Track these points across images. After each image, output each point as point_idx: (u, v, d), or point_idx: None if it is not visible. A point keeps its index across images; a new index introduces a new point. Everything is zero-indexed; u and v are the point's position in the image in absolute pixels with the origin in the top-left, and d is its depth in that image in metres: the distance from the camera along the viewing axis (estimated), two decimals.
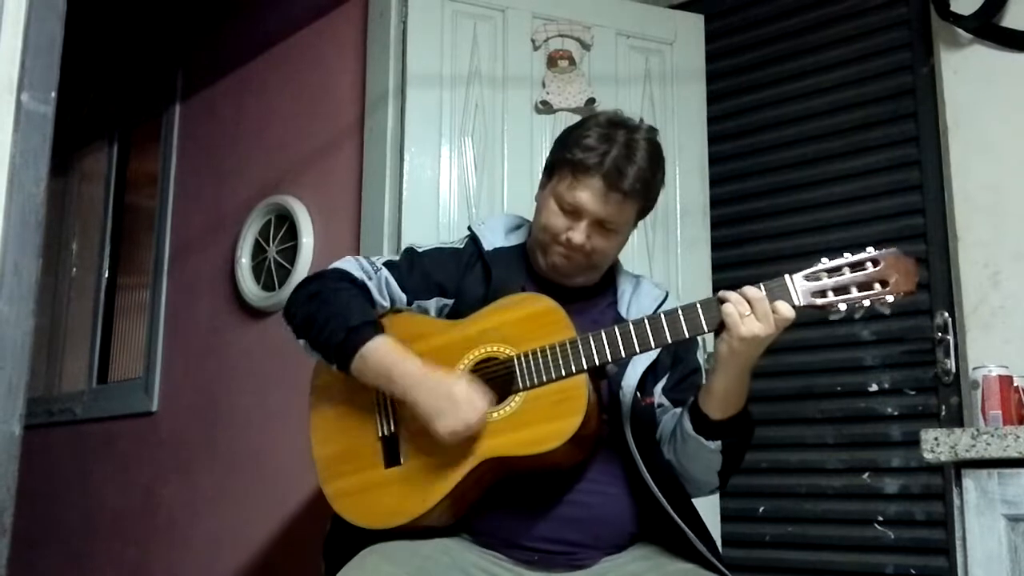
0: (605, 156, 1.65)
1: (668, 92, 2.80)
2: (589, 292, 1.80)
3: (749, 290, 1.51)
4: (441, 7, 2.61)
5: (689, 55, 2.85)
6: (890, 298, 1.48)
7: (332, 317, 1.67)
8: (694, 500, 1.74)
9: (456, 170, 2.56)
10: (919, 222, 2.52)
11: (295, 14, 3.10)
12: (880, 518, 2.48)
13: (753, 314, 1.49)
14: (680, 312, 1.55)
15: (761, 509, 2.67)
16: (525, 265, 1.80)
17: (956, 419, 2.36)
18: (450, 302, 1.77)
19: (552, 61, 2.69)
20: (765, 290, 1.51)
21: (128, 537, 3.38)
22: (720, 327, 1.51)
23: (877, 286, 1.49)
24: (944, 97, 2.45)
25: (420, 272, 1.79)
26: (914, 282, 1.48)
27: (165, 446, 3.31)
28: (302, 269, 2.84)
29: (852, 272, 1.50)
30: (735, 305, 1.49)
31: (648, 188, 1.70)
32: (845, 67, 2.71)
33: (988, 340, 2.29)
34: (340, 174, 2.79)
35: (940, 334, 2.42)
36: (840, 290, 1.50)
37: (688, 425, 1.61)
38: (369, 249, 2.55)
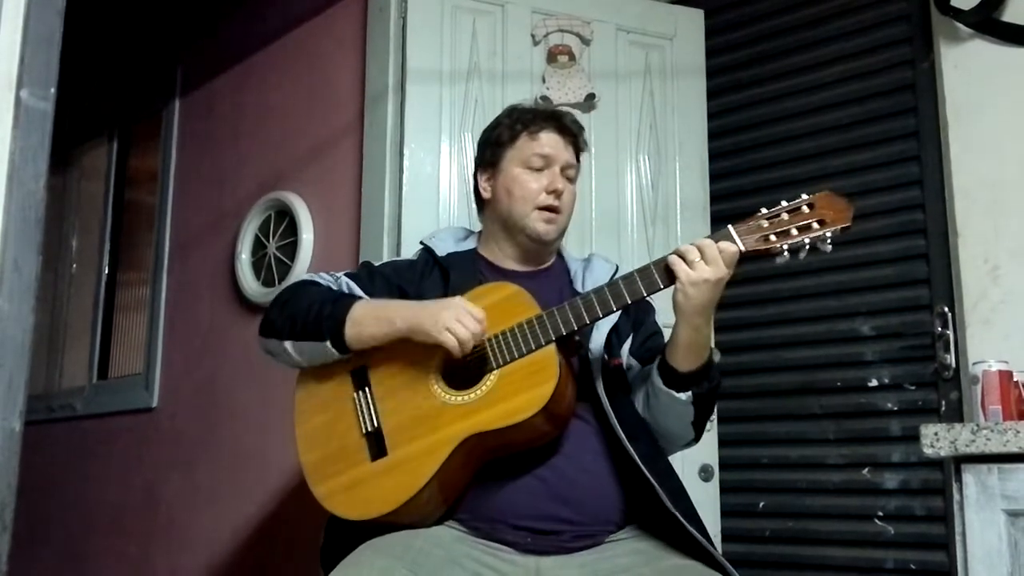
0: (542, 114, 1.91)
1: (668, 87, 2.80)
2: (544, 277, 1.90)
3: (696, 240, 1.63)
4: (441, 2, 2.60)
5: (689, 50, 2.84)
6: (828, 234, 1.57)
7: (312, 303, 1.76)
8: (678, 471, 1.81)
9: (456, 166, 2.56)
10: (919, 217, 2.52)
11: (295, 10, 3.10)
12: (880, 513, 2.49)
13: (703, 259, 1.58)
14: (635, 273, 1.64)
15: (761, 504, 2.68)
16: (479, 264, 1.90)
17: (956, 414, 2.36)
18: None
19: (552, 56, 2.69)
20: (711, 239, 1.62)
21: (128, 533, 3.39)
22: (674, 282, 1.61)
23: (815, 225, 1.57)
24: (944, 92, 2.45)
25: (381, 278, 1.88)
26: (849, 217, 1.57)
27: (165, 442, 3.32)
28: (302, 265, 2.85)
29: (790, 216, 1.59)
30: (685, 254, 1.60)
31: (581, 131, 1.93)
32: (845, 62, 2.71)
33: (988, 335, 2.29)
34: (340, 170, 2.79)
35: (940, 329, 2.42)
36: (781, 234, 1.59)
37: (658, 380, 1.70)
38: (368, 245, 2.56)
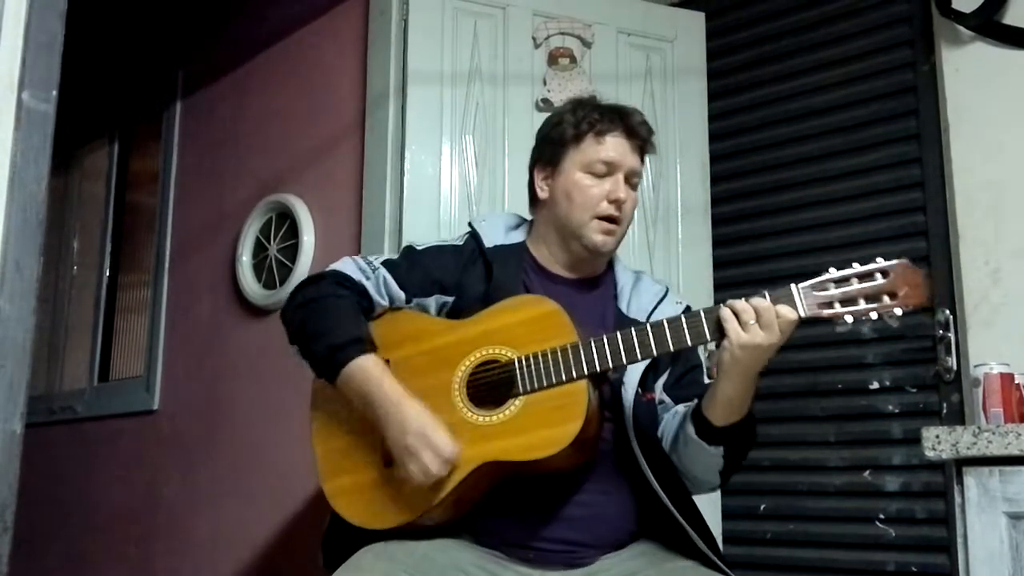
0: (610, 114, 1.78)
1: (669, 90, 2.80)
2: (591, 287, 1.81)
3: (754, 299, 1.51)
4: (442, 5, 2.60)
5: (690, 53, 2.84)
6: (898, 311, 1.46)
7: (319, 332, 1.68)
8: (694, 497, 1.75)
9: (457, 168, 2.56)
10: (920, 220, 2.52)
11: (296, 12, 3.10)
12: (881, 516, 2.48)
13: (757, 322, 1.48)
14: (683, 320, 1.55)
15: (762, 507, 2.67)
16: (526, 262, 1.81)
17: (957, 417, 2.36)
18: (450, 299, 1.76)
19: (553, 59, 2.69)
20: (770, 298, 1.51)
21: (129, 535, 3.38)
22: (723, 335, 1.51)
23: (886, 298, 1.47)
24: (945, 94, 2.45)
25: (420, 270, 1.78)
26: (924, 295, 1.46)
27: (166, 444, 3.32)
28: (303, 267, 2.85)
29: (860, 283, 1.48)
30: (740, 314, 1.49)
31: (651, 134, 1.82)
32: (846, 64, 2.71)
33: (989, 337, 2.29)
34: (341, 172, 2.79)
35: (941, 332, 2.41)
36: (847, 301, 1.48)
37: (690, 429, 1.61)
38: (370, 248, 2.55)
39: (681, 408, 1.70)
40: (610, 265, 1.87)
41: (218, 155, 3.34)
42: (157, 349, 3.40)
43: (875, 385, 2.55)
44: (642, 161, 1.81)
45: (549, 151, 1.81)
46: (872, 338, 2.57)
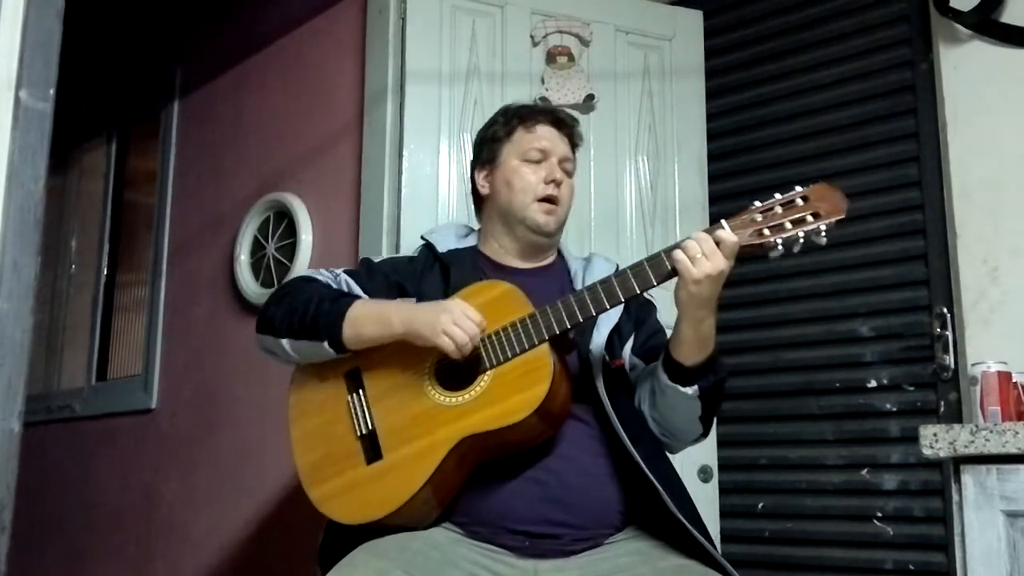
0: (537, 108, 1.99)
1: (667, 88, 2.80)
2: (545, 275, 1.90)
3: (694, 234, 1.59)
4: (440, 3, 2.60)
5: (688, 51, 2.84)
6: (823, 227, 1.53)
7: (309, 301, 1.75)
8: (686, 449, 1.84)
9: (455, 166, 2.56)
10: (918, 218, 2.52)
11: (294, 11, 3.10)
12: (879, 514, 2.49)
13: (703, 256, 1.55)
14: (629, 271, 1.62)
15: (760, 505, 2.68)
16: (480, 261, 1.90)
17: (955, 415, 2.36)
18: (412, 300, 1.82)
19: (551, 57, 2.69)
20: (705, 231, 1.59)
21: (128, 534, 3.38)
22: (668, 278, 1.60)
23: (810, 218, 1.54)
24: (943, 93, 2.45)
25: (380, 276, 1.87)
26: (843, 208, 1.54)
27: (164, 443, 3.32)
28: (301, 266, 2.85)
29: (784, 209, 1.56)
30: (686, 249, 1.57)
31: (576, 124, 1.96)
32: (844, 63, 2.71)
33: (987, 336, 2.29)
34: (339, 171, 2.79)
35: (939, 330, 2.42)
36: (775, 228, 1.56)
37: (663, 376, 1.68)
38: (367, 246, 2.56)
39: (653, 365, 1.76)
40: (560, 255, 1.96)
41: (216, 154, 3.34)
42: (155, 348, 3.40)
43: (873, 383, 2.55)
44: (573, 153, 1.94)
45: (486, 150, 1.94)
46: (870, 336, 2.58)
